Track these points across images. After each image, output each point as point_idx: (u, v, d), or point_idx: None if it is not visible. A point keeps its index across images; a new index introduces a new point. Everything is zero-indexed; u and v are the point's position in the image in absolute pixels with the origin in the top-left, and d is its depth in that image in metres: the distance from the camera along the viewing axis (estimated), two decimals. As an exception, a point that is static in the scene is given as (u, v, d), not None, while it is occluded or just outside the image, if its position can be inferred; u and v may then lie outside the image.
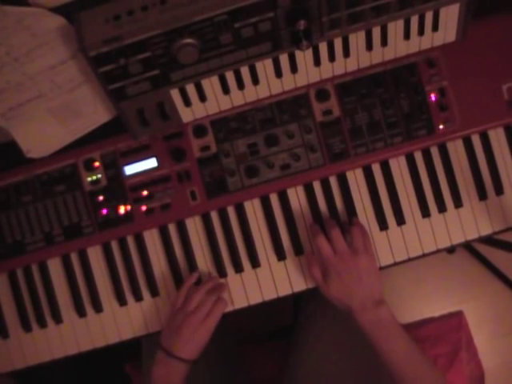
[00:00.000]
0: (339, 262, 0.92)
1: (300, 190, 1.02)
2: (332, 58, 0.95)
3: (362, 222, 1.00)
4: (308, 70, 0.97)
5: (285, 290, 1.01)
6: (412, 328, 1.27)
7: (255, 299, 1.02)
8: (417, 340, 1.22)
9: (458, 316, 1.27)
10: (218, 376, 1.09)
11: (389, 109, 0.99)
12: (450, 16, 0.93)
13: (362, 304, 0.90)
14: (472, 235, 1.00)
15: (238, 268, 1.02)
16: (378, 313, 0.90)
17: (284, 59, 0.93)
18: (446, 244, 1.01)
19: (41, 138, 0.99)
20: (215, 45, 0.85)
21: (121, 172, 1.01)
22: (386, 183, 1.01)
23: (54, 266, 1.04)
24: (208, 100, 0.96)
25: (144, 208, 1.01)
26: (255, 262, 1.01)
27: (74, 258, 1.04)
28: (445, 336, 1.24)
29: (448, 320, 1.27)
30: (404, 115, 0.99)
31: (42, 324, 1.04)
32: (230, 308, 1.01)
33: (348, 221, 1.00)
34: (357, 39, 0.93)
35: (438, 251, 1.01)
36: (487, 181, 1.00)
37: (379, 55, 0.97)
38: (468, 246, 1.74)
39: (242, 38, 0.85)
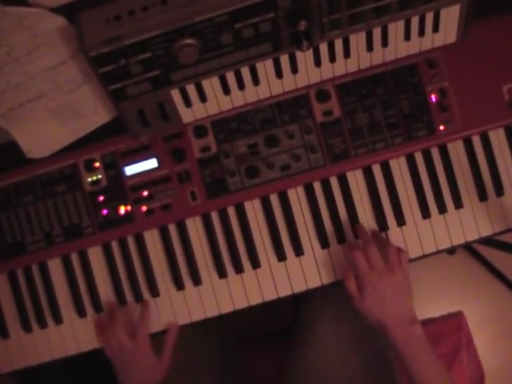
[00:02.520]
0: (376, 278, 0.92)
1: (300, 190, 1.02)
2: (332, 58, 0.95)
3: (362, 223, 1.00)
4: (308, 70, 0.97)
5: (285, 291, 1.01)
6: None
7: (255, 300, 1.02)
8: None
9: (457, 316, 1.27)
10: (217, 376, 1.09)
11: (389, 109, 0.99)
12: (451, 17, 0.93)
13: (396, 321, 0.91)
14: (472, 236, 1.00)
15: (239, 268, 1.01)
16: (411, 331, 0.91)
17: (284, 60, 0.93)
18: (446, 245, 1.01)
19: (41, 138, 0.99)
20: (216, 45, 0.85)
21: (121, 172, 1.01)
22: (387, 184, 1.01)
23: (55, 267, 1.04)
24: (208, 100, 0.96)
25: (144, 208, 1.01)
26: (255, 263, 1.01)
27: (75, 259, 1.04)
28: (445, 336, 1.24)
29: (448, 320, 1.27)
30: (404, 116, 0.99)
31: (42, 324, 1.04)
32: (230, 309, 1.02)
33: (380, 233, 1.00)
34: (357, 40, 0.93)
35: (439, 252, 1.01)
36: (488, 182, 1.00)
37: (380, 56, 0.97)
38: (468, 247, 1.74)
39: (242, 38, 0.85)
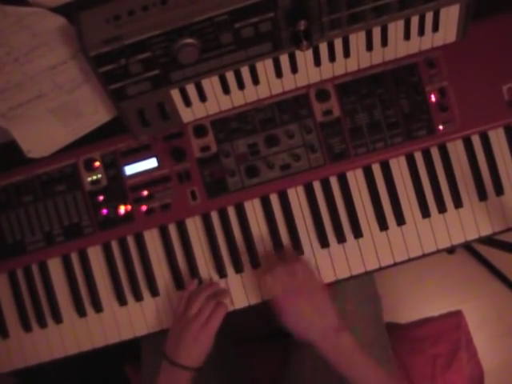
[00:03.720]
0: (288, 297, 0.93)
1: (300, 190, 1.02)
2: (332, 58, 0.95)
3: (363, 223, 1.00)
4: (308, 70, 0.97)
5: (285, 290, 1.02)
6: (411, 328, 1.27)
7: (255, 299, 1.02)
8: (416, 340, 1.22)
9: (457, 315, 1.26)
10: (217, 376, 1.09)
11: (389, 109, 0.99)
12: (451, 16, 0.93)
13: (322, 333, 0.91)
14: (472, 235, 1.00)
15: (238, 268, 1.02)
16: (340, 340, 0.91)
17: (284, 59, 0.93)
18: (446, 244, 1.01)
19: (41, 137, 0.99)
20: (215, 45, 0.85)
21: (121, 172, 1.01)
22: (386, 183, 1.01)
23: (54, 266, 1.04)
24: (208, 100, 0.96)
25: (144, 208, 1.01)
26: (255, 262, 1.01)
27: (74, 258, 1.04)
28: (444, 335, 1.23)
29: (447, 320, 1.26)
30: (404, 115, 0.99)
31: (42, 324, 1.04)
32: (230, 308, 1.01)
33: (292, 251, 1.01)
34: (357, 39, 0.93)
35: (438, 251, 1.01)
36: (487, 181, 1.00)
37: (379, 55, 0.97)
38: (468, 247, 1.74)
39: (242, 38, 0.85)
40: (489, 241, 1.48)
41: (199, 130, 1.00)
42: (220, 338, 1.03)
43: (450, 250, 1.68)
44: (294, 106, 1.00)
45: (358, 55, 0.96)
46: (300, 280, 0.93)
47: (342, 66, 0.98)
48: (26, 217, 1.02)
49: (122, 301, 1.03)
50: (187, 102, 0.95)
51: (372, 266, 1.01)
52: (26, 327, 1.05)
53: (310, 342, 0.92)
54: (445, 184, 1.01)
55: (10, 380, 1.23)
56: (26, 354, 1.05)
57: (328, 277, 1.01)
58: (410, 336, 1.24)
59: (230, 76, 0.93)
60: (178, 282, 1.02)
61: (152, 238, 1.03)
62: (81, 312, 1.04)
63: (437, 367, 1.19)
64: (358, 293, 1.07)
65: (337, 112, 1.00)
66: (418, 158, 1.01)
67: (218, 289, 1.01)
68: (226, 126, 1.00)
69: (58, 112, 0.96)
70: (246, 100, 0.99)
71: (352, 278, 1.01)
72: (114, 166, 1.01)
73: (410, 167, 1.01)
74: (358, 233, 1.00)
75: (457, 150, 1.01)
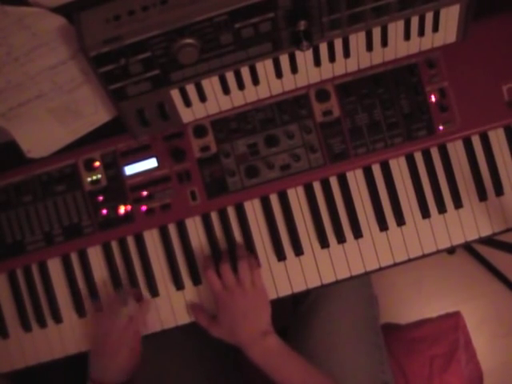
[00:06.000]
0: (227, 297, 0.93)
1: (300, 190, 1.02)
2: (332, 58, 0.95)
3: (362, 223, 1.00)
4: (308, 70, 0.97)
5: (285, 291, 1.01)
6: (409, 328, 1.27)
7: (255, 299, 1.02)
8: (413, 340, 1.22)
9: (455, 316, 1.26)
10: (213, 377, 1.09)
11: (389, 109, 0.99)
12: (451, 17, 0.93)
13: (249, 339, 0.92)
14: (472, 236, 1.00)
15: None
16: (266, 343, 0.92)
17: (284, 59, 0.93)
18: (445, 245, 1.01)
19: (41, 138, 0.99)
20: (215, 45, 0.85)
21: (121, 172, 1.01)
22: (386, 184, 1.01)
23: (54, 266, 1.04)
24: (208, 100, 0.96)
25: (144, 208, 1.01)
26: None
27: (74, 258, 1.04)
28: (442, 337, 1.23)
29: (445, 320, 1.26)
30: (404, 116, 0.99)
31: (42, 324, 1.04)
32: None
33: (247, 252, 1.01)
34: (357, 40, 0.93)
35: (438, 252, 1.01)
36: (487, 181, 1.00)
37: (379, 56, 0.97)
38: (468, 247, 1.74)
39: (242, 38, 0.85)
40: (489, 241, 1.48)
41: (199, 130, 1.00)
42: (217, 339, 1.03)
43: (450, 251, 1.69)
44: (293, 106, 1.00)
45: (358, 55, 0.96)
46: (242, 280, 0.94)
47: (342, 67, 0.98)
48: (26, 217, 1.02)
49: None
50: (187, 102, 0.95)
51: (372, 266, 1.01)
52: (26, 327, 1.04)
53: (238, 344, 0.93)
54: (445, 184, 1.01)
55: (7, 382, 1.23)
56: (26, 353, 1.05)
57: (328, 277, 1.01)
58: (407, 336, 1.24)
59: (229, 76, 0.93)
60: (178, 282, 1.02)
61: (152, 238, 1.03)
62: (80, 312, 1.04)
63: (434, 368, 1.19)
64: (352, 294, 1.07)
65: (337, 112, 1.00)
66: (418, 158, 1.01)
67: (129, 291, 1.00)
68: (226, 126, 1.00)
69: (57, 112, 0.96)
70: (246, 100, 0.99)
71: (352, 278, 1.01)
72: (113, 166, 1.01)
73: (410, 167, 1.01)
74: (357, 233, 1.00)
75: (457, 150, 1.01)
